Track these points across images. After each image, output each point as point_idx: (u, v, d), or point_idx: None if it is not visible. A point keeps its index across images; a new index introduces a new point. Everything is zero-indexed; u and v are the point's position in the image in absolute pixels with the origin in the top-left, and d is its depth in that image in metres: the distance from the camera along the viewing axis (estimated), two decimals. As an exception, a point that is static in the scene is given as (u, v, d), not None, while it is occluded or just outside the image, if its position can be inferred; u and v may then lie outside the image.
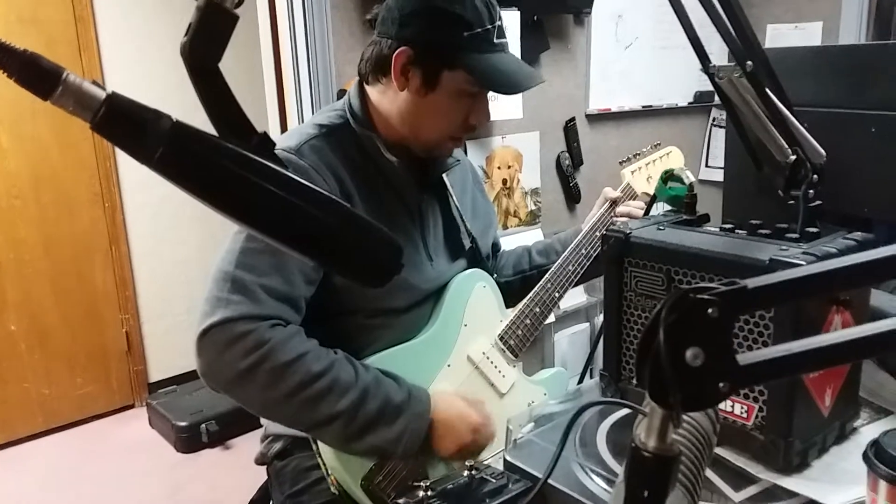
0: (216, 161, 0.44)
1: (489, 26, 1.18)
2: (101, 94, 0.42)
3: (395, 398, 1.16)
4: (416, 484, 0.93)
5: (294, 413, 1.12)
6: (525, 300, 1.42)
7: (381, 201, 1.26)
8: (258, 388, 1.09)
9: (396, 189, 1.28)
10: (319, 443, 1.21)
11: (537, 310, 1.41)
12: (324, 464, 1.21)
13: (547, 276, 1.43)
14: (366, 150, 1.25)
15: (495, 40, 1.20)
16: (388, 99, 1.25)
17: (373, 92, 1.27)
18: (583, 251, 1.46)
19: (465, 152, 2.06)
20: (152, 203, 3.34)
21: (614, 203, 1.51)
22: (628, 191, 1.53)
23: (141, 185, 3.29)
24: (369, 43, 1.26)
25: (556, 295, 1.43)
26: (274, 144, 0.47)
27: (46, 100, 0.42)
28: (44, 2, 2.99)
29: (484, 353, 1.36)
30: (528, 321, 1.41)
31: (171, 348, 3.46)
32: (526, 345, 1.41)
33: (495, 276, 1.47)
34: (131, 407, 3.44)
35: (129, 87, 3.13)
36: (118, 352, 3.38)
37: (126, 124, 0.43)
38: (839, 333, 0.43)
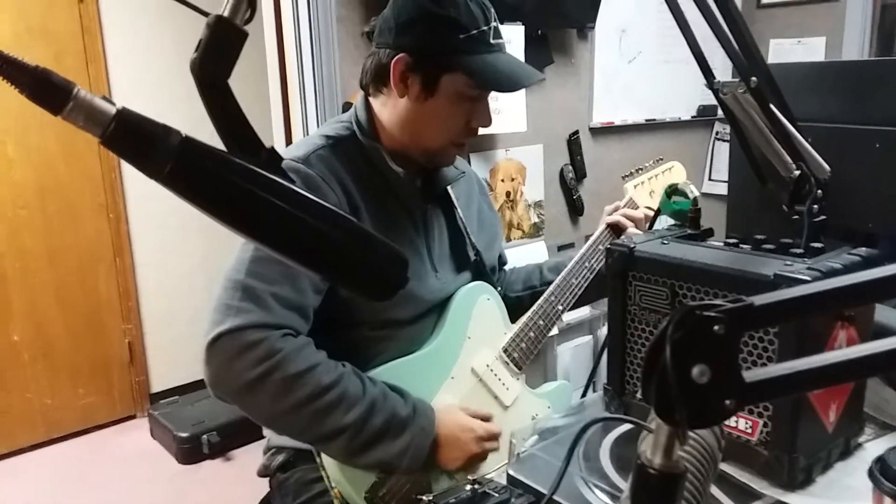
0: (225, 176, 0.44)
1: (484, 28, 1.19)
2: (112, 110, 0.43)
3: (401, 412, 1.16)
4: (418, 497, 0.93)
5: (302, 425, 1.12)
6: (528, 313, 1.41)
7: (387, 212, 1.26)
8: (267, 399, 1.09)
9: (402, 200, 1.29)
10: (323, 456, 1.20)
11: (541, 322, 1.41)
12: (327, 477, 1.21)
13: (550, 288, 1.43)
14: (372, 161, 1.26)
15: (492, 41, 1.21)
16: (389, 109, 1.26)
17: (375, 103, 1.28)
18: (586, 264, 1.46)
19: (469, 163, 2.06)
20: (157, 214, 3.35)
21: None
22: (631, 205, 1.53)
23: (146, 197, 3.30)
24: (368, 55, 1.27)
25: (560, 308, 1.43)
26: (282, 159, 0.48)
27: (57, 115, 0.42)
28: (52, 13, 3.02)
29: (488, 366, 1.36)
30: (531, 334, 1.40)
31: (173, 359, 3.46)
32: (530, 357, 1.41)
33: (499, 289, 1.47)
34: (133, 417, 3.43)
35: (135, 98, 3.16)
36: (121, 362, 3.37)
37: (135, 140, 0.43)
38: (845, 351, 0.43)
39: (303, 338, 1.14)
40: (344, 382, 1.13)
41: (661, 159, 1.60)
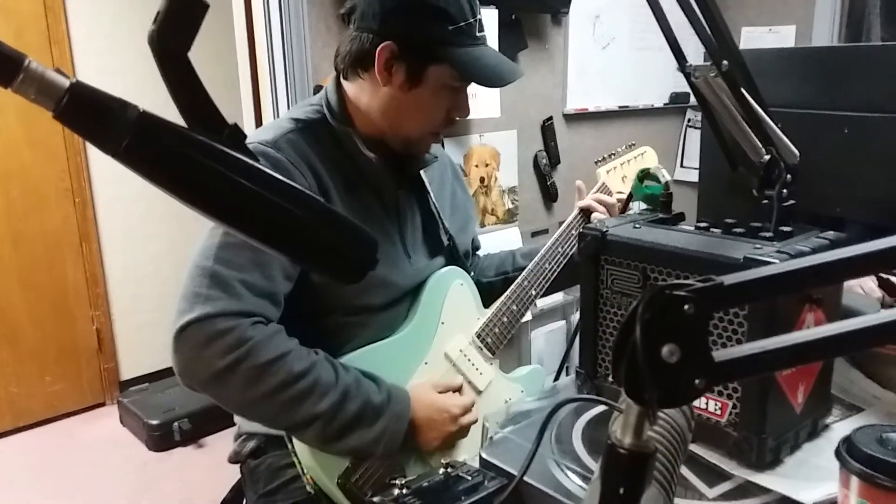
0: (184, 152, 0.43)
1: (471, 20, 1.18)
2: (65, 83, 0.41)
3: (375, 399, 1.16)
4: (392, 482, 0.92)
5: (274, 413, 1.11)
6: (502, 298, 1.41)
7: (359, 197, 1.25)
8: (237, 388, 1.07)
9: (374, 185, 1.27)
10: (295, 442, 1.19)
11: (514, 307, 1.41)
12: (299, 463, 1.20)
13: (524, 273, 1.43)
14: (343, 145, 1.24)
15: (477, 34, 1.20)
16: (367, 94, 1.24)
17: (351, 87, 1.26)
18: (559, 249, 1.46)
19: (443, 148, 2.05)
20: (124, 199, 3.29)
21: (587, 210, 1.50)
22: (604, 190, 1.54)
23: (113, 181, 3.23)
24: (347, 38, 1.24)
25: (533, 293, 1.43)
26: (245, 136, 0.46)
27: (7, 87, 0.40)
28: (13, -8, 2.93)
29: (461, 351, 1.36)
30: (505, 319, 1.40)
31: (142, 346, 3.41)
32: (503, 342, 1.41)
33: (472, 274, 1.46)
34: (102, 405, 3.38)
35: (100, 79, 3.07)
36: (89, 349, 3.32)
37: (90, 113, 0.41)
38: (813, 331, 0.43)
39: (273, 325, 1.12)
40: (316, 370, 1.11)
41: (634, 144, 1.61)
